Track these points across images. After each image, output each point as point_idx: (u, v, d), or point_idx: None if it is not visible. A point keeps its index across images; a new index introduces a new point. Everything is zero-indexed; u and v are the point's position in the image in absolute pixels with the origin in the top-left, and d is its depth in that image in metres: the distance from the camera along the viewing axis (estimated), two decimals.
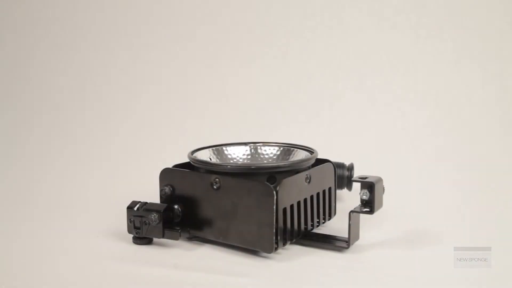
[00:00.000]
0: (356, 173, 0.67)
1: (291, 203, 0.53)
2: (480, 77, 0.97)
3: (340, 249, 0.54)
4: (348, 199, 0.70)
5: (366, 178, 0.53)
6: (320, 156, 0.61)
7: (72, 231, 0.63)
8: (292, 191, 0.53)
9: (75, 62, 1.15)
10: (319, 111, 1.01)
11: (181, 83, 1.09)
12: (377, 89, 1.00)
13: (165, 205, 0.56)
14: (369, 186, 0.52)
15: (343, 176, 0.69)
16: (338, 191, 0.66)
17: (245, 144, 0.66)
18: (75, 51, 1.15)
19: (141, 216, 0.55)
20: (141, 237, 0.57)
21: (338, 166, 0.68)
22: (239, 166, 0.54)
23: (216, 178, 0.54)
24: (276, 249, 0.51)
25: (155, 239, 0.57)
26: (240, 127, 1.00)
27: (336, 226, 0.60)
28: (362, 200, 0.53)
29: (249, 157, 0.65)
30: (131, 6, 1.14)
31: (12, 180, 0.90)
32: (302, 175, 0.55)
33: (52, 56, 1.15)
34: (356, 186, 0.60)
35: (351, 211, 0.53)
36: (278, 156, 0.65)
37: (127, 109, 1.09)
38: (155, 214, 0.55)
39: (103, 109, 1.10)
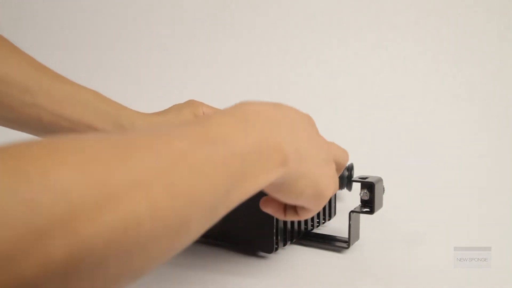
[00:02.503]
0: (356, 173, 0.67)
1: None
2: (480, 76, 0.97)
3: (340, 249, 0.54)
4: (348, 199, 0.70)
5: (366, 178, 0.53)
6: None
7: None
8: None
9: (74, 64, 1.15)
10: (318, 111, 1.01)
11: (181, 83, 1.09)
12: (378, 88, 1.00)
13: None
14: (369, 186, 0.52)
15: (343, 176, 0.69)
16: (338, 191, 0.66)
17: None
18: (78, 53, 1.15)
19: None
20: None
21: None
22: None
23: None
24: (276, 249, 0.51)
25: None
26: None
27: (336, 226, 0.60)
28: (362, 200, 0.53)
29: None
30: (131, 6, 1.14)
31: None
32: None
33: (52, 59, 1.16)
34: (356, 186, 0.60)
35: (351, 211, 0.53)
36: None
37: None
38: None
39: None
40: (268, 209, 0.45)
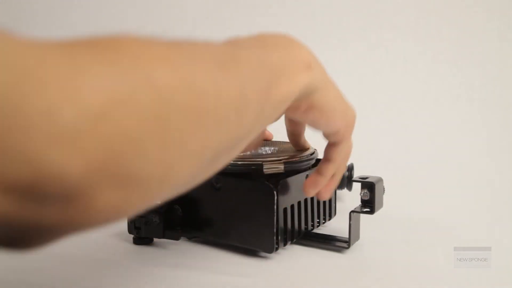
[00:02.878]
0: (356, 173, 0.67)
1: (291, 203, 0.53)
2: (480, 76, 0.97)
3: (340, 249, 0.54)
4: (348, 199, 0.70)
5: (366, 178, 0.53)
6: (320, 156, 0.60)
7: None
8: (293, 191, 0.53)
9: None
10: None
11: None
12: (377, 88, 1.01)
13: (166, 205, 0.56)
14: (370, 186, 0.52)
15: (343, 176, 0.69)
16: (338, 191, 0.66)
17: None
18: None
19: (141, 216, 0.55)
20: (142, 237, 0.57)
21: None
22: (240, 166, 0.54)
23: (217, 178, 0.54)
24: (276, 249, 0.52)
25: (155, 239, 0.57)
26: None
27: (336, 226, 0.61)
28: (362, 200, 0.53)
29: None
30: (132, 6, 1.14)
31: None
32: (303, 175, 0.55)
33: None
34: (356, 186, 0.60)
35: (352, 211, 0.53)
36: None
37: None
38: (155, 214, 0.55)
39: None
40: (314, 186, 0.47)
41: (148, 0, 1.14)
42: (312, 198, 0.57)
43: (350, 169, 0.69)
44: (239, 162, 0.54)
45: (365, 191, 0.53)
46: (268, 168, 0.53)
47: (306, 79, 0.36)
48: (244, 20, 1.08)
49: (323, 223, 0.60)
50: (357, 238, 0.55)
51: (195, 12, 1.10)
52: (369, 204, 0.53)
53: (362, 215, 0.54)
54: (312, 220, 0.57)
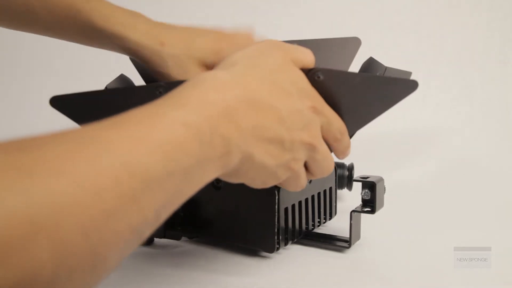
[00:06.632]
0: (356, 173, 0.67)
1: (292, 203, 0.53)
2: (481, 76, 0.97)
3: (341, 249, 0.54)
4: (349, 199, 0.70)
5: (367, 178, 0.53)
6: None
7: None
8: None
9: (77, 60, 1.15)
10: None
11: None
12: None
13: None
14: (371, 186, 0.52)
15: (343, 176, 0.69)
16: (338, 191, 0.66)
17: None
18: (76, 49, 1.15)
19: None
20: None
21: (339, 166, 0.68)
22: None
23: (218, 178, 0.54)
24: (277, 249, 0.52)
25: (156, 239, 0.57)
26: None
27: (337, 226, 0.61)
28: (363, 200, 0.53)
29: None
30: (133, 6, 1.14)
31: None
32: None
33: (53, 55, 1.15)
34: (356, 186, 0.60)
35: (353, 211, 0.53)
36: None
37: None
38: None
39: None
40: None
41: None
42: (312, 198, 0.57)
43: (351, 168, 0.69)
44: None
45: (366, 190, 0.53)
46: None
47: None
48: (245, 18, 1.08)
49: (324, 222, 0.60)
50: (358, 237, 0.55)
51: (195, 13, 1.11)
52: (370, 204, 0.53)
53: (363, 214, 0.54)
54: (313, 220, 0.57)
